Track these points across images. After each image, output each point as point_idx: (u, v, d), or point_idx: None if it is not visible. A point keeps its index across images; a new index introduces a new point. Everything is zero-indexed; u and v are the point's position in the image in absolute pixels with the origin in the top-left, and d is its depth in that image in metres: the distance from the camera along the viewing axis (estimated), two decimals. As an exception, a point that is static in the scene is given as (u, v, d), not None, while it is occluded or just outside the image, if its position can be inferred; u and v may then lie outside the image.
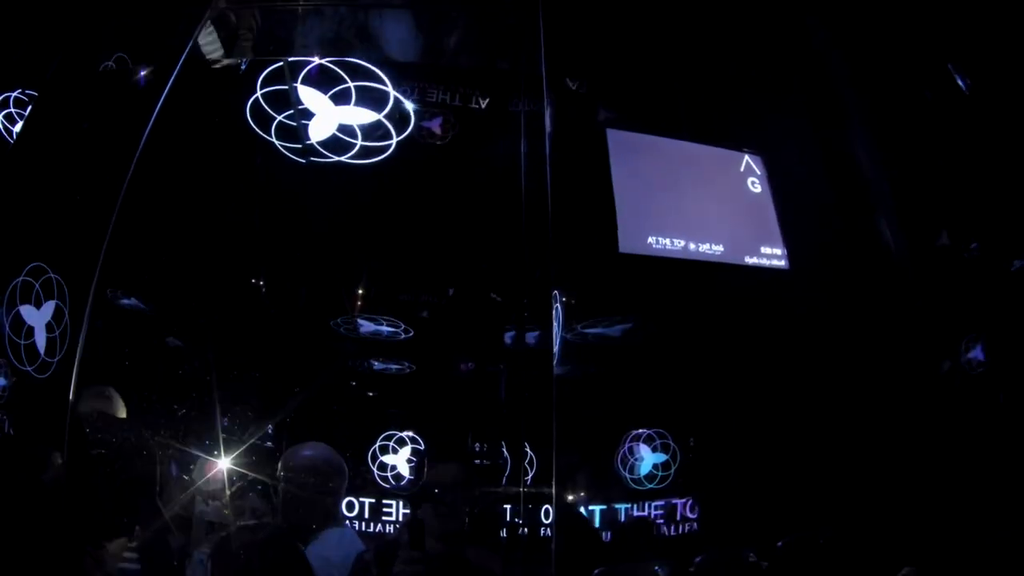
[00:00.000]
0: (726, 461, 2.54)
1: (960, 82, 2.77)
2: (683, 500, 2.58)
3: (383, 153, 2.84)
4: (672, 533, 2.57)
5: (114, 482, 2.28)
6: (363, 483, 2.90)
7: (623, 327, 2.70)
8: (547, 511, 2.47)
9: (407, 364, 3.50)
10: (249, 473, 2.41)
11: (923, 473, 2.39)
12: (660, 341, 2.67)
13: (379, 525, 2.93)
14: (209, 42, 2.75)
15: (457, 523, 2.42)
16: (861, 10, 2.57)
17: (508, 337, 3.17)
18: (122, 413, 2.52)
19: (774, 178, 2.77)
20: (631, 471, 2.78)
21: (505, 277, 2.97)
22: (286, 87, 2.73)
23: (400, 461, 3.20)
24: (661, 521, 2.59)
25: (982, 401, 2.59)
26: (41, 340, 2.51)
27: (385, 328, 3.44)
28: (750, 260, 2.68)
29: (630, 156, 2.62)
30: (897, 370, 2.54)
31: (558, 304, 2.57)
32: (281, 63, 2.67)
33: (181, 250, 3.10)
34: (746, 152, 2.83)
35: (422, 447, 3.19)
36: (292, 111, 2.75)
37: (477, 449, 3.17)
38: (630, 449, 2.79)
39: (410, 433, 3.17)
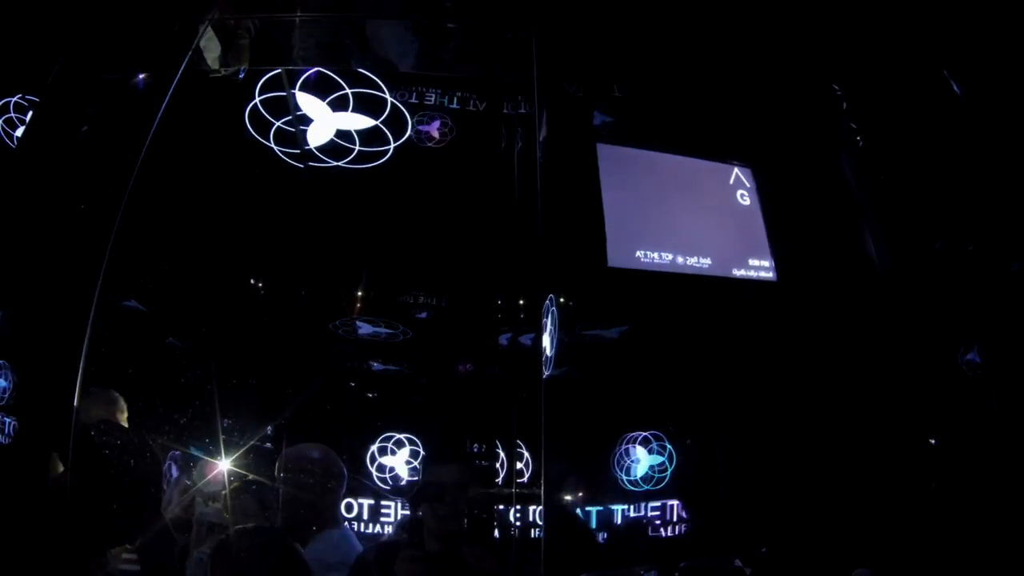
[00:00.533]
0: (715, 467, 2.57)
1: (956, 87, 2.77)
2: (676, 503, 2.61)
3: (381, 158, 2.86)
4: (666, 535, 2.59)
5: (118, 485, 2.30)
6: (360, 485, 2.94)
7: (620, 329, 2.72)
8: (537, 512, 2.50)
9: (405, 366, 3.53)
10: (248, 474, 2.43)
11: (912, 480, 2.41)
12: (654, 350, 2.70)
13: (378, 526, 2.97)
14: (208, 50, 2.77)
15: (456, 523, 2.43)
16: (847, 22, 2.58)
17: (503, 339, 3.20)
18: (124, 415, 2.55)
19: (763, 190, 2.78)
20: (627, 472, 2.80)
21: (501, 280, 2.99)
22: (284, 93, 2.75)
23: (399, 462, 3.24)
24: (658, 522, 2.61)
25: (978, 404, 2.60)
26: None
27: (384, 330, 3.48)
28: (738, 273, 2.71)
29: (620, 170, 2.65)
30: (884, 378, 2.56)
31: (553, 308, 2.59)
32: (279, 71, 2.69)
33: (182, 253, 3.13)
34: (735, 164, 2.85)
35: (420, 448, 3.23)
36: (290, 118, 2.78)
37: (475, 450, 3.21)
38: (626, 451, 2.81)
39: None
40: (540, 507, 2.51)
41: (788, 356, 2.60)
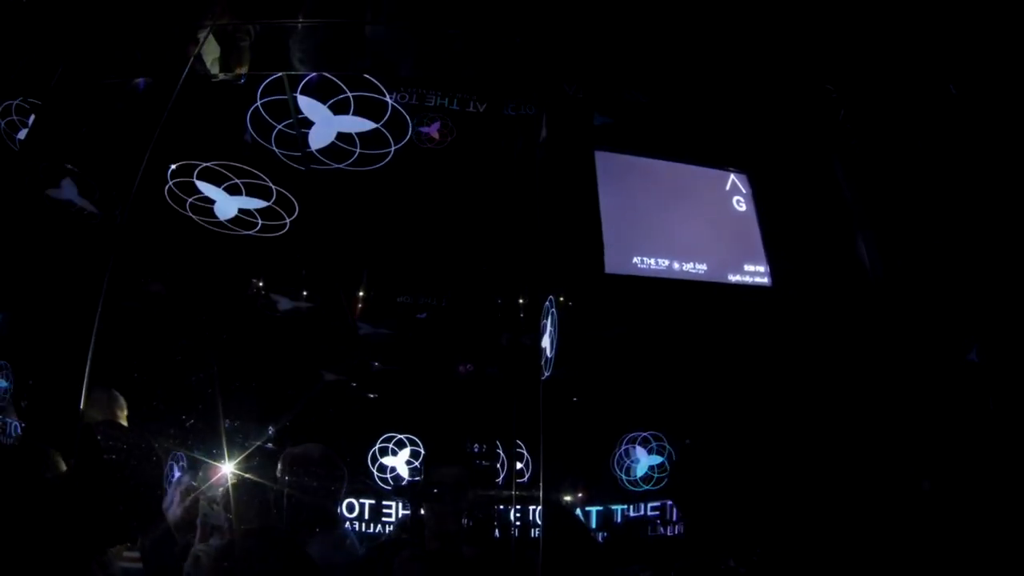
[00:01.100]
0: (712, 468, 2.59)
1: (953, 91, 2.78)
2: (672, 502, 2.63)
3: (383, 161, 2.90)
4: (664, 534, 2.61)
5: (122, 486, 2.32)
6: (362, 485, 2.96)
7: (617, 333, 2.74)
8: (537, 512, 2.52)
9: (401, 367, 3.55)
10: (251, 477, 2.45)
11: (906, 481, 2.43)
12: (652, 353, 2.72)
13: (378, 526, 2.99)
14: (210, 54, 2.79)
15: (455, 523, 2.44)
16: (842, 29, 2.59)
17: (503, 340, 3.22)
18: (124, 412, 2.56)
19: (759, 196, 2.79)
20: (627, 472, 2.82)
21: (502, 282, 3.01)
22: (285, 97, 2.77)
23: (399, 463, 3.26)
24: (658, 522, 2.63)
25: (974, 406, 2.61)
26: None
27: (383, 330, 3.50)
28: (733, 278, 2.72)
29: (618, 178, 2.66)
30: (877, 381, 2.57)
31: (553, 310, 2.61)
32: (281, 75, 2.72)
33: (183, 255, 3.15)
34: (731, 171, 2.86)
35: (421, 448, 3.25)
36: (291, 120, 2.80)
37: (476, 450, 3.23)
38: (626, 451, 2.83)
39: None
40: (539, 507, 2.52)
41: (783, 359, 2.61)
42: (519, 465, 2.91)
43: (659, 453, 2.83)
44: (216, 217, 2.95)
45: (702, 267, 2.68)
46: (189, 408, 2.85)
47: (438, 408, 3.35)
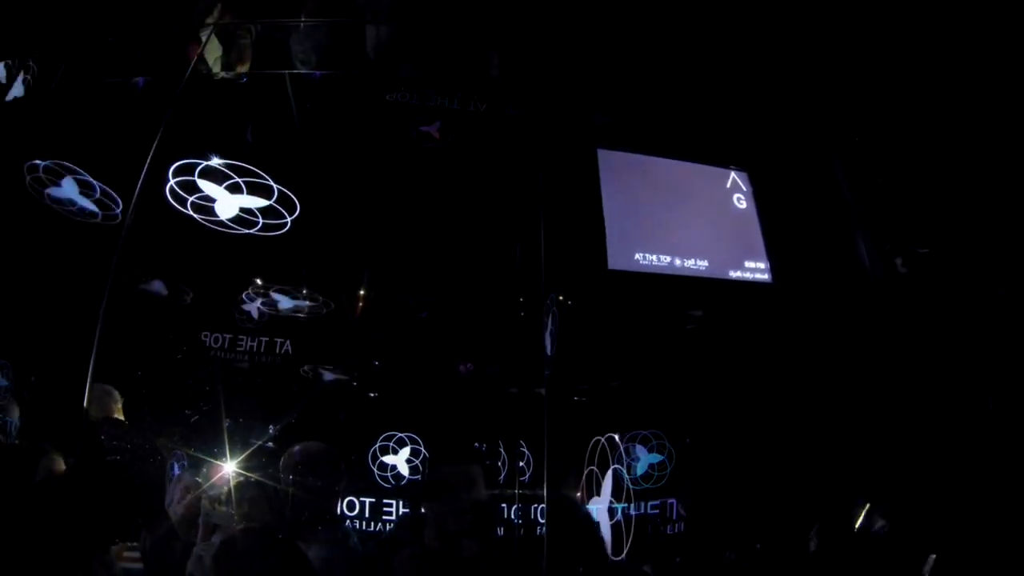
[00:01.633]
0: (712, 465, 2.60)
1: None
2: (674, 500, 2.63)
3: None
4: (665, 531, 2.62)
5: (125, 485, 2.32)
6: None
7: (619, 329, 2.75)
8: (539, 510, 2.52)
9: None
10: (252, 475, 2.45)
11: (906, 479, 2.44)
12: (653, 349, 2.73)
13: (379, 524, 2.99)
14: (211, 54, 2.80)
15: (456, 522, 2.44)
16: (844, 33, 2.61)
17: (504, 340, 3.22)
18: (119, 406, 2.56)
19: (759, 194, 2.81)
20: (628, 470, 2.82)
21: (503, 281, 3.01)
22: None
23: (400, 461, 3.26)
24: (658, 519, 2.63)
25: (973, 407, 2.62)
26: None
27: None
28: (734, 275, 2.74)
29: (619, 175, 2.68)
30: (876, 378, 2.59)
31: (554, 308, 2.61)
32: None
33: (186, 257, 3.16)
34: (732, 169, 2.88)
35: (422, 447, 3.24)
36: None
37: (478, 449, 3.23)
38: (627, 449, 2.83)
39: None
40: (540, 505, 2.52)
41: (783, 355, 2.62)
42: (520, 464, 2.92)
43: (659, 451, 2.83)
44: (217, 216, 2.95)
45: (703, 264, 2.70)
46: (191, 406, 2.85)
47: (439, 407, 3.35)
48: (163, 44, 2.81)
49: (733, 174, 2.91)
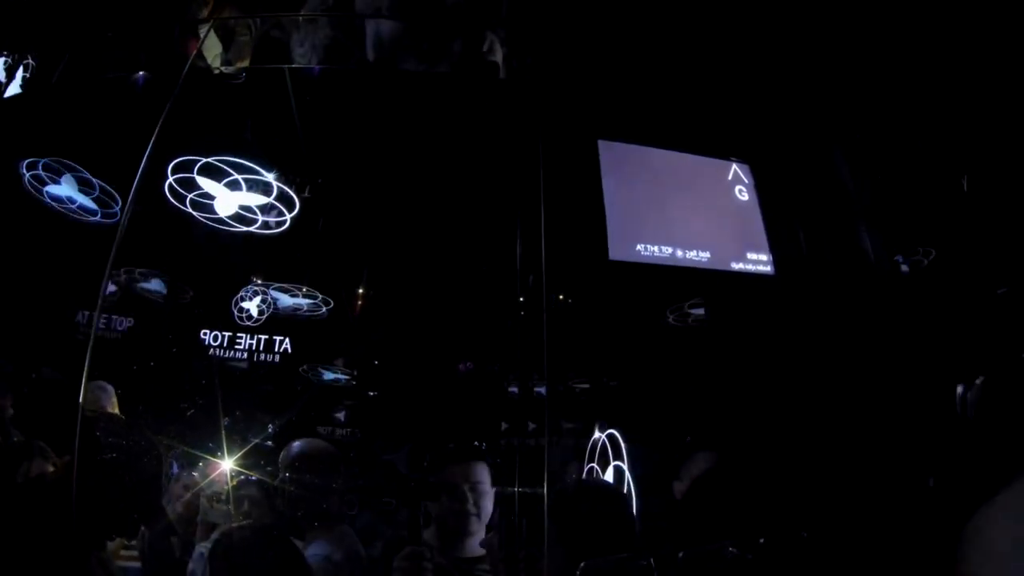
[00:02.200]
0: (714, 459, 2.58)
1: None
2: (677, 495, 2.61)
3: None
4: (666, 526, 2.60)
5: (124, 480, 2.30)
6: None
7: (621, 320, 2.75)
8: (541, 508, 2.50)
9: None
10: (251, 474, 2.43)
11: (910, 475, 2.42)
12: (658, 341, 2.72)
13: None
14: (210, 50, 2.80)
15: (456, 522, 2.42)
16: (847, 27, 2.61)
17: (505, 339, 3.21)
18: (114, 399, 2.55)
19: (761, 186, 2.82)
20: (628, 467, 2.81)
21: (502, 280, 3.01)
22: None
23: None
24: (660, 516, 2.61)
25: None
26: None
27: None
28: (736, 266, 2.74)
29: (620, 167, 2.68)
30: (880, 371, 2.57)
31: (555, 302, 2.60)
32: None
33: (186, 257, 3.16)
34: (734, 160, 2.89)
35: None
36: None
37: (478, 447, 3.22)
38: (625, 445, 2.81)
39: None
40: (540, 504, 2.51)
41: (785, 347, 2.62)
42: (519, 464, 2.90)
43: (657, 446, 2.82)
44: (216, 213, 2.96)
45: (705, 255, 2.70)
46: (188, 403, 2.84)
47: (439, 406, 3.34)
48: (162, 40, 2.81)
49: (735, 166, 2.90)
